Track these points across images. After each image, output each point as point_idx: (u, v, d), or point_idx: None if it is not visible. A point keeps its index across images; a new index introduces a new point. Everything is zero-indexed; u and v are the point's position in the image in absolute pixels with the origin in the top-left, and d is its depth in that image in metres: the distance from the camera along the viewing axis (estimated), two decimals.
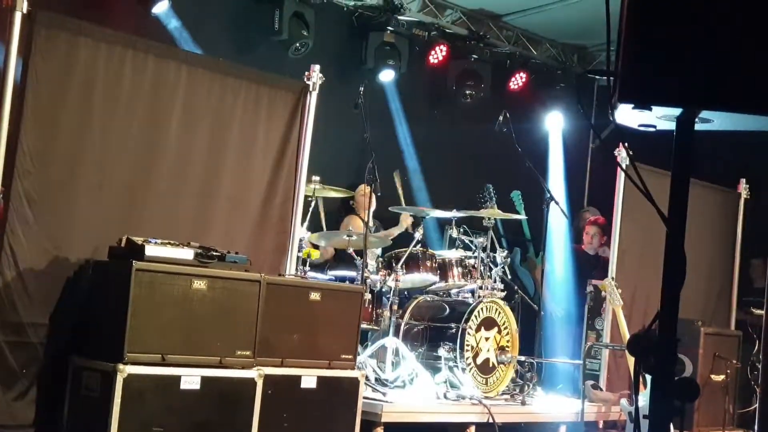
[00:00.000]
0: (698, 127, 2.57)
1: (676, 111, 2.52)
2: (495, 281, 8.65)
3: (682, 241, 2.48)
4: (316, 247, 8.18)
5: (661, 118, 2.57)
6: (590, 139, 12.39)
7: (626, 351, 7.64)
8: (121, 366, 5.50)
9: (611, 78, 2.61)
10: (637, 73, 2.48)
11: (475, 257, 8.61)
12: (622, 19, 2.56)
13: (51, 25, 5.95)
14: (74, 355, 5.90)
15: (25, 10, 5.72)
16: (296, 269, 7.41)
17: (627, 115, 2.60)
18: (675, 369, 2.47)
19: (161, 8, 8.63)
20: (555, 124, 11.80)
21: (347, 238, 8.28)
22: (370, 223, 8.25)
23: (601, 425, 8.72)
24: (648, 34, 2.49)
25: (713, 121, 2.56)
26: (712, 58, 2.44)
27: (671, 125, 2.58)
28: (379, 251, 8.77)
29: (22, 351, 5.87)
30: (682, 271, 2.46)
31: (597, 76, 11.82)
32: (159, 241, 5.92)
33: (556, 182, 11.60)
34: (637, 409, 2.48)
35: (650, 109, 2.48)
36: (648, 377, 2.46)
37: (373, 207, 8.56)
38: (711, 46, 2.44)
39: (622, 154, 9.09)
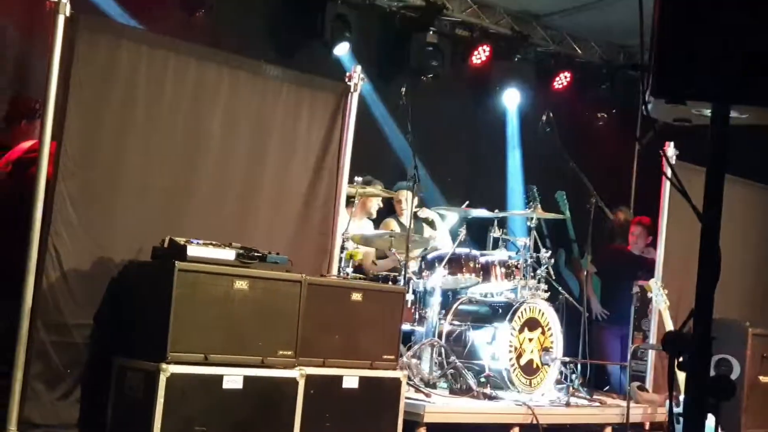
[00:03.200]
0: (733, 121, 2.54)
1: (710, 105, 2.49)
2: (538, 282, 8.60)
3: (716, 237, 2.45)
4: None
5: (696, 112, 2.55)
6: (637, 139, 12.28)
7: None
8: (164, 365, 5.54)
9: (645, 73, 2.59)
10: (669, 68, 2.46)
11: (518, 258, 8.57)
12: (655, 14, 2.53)
13: (93, 28, 5.99)
14: (118, 354, 5.94)
15: (67, 14, 5.78)
16: (339, 270, 7.42)
17: (661, 110, 2.58)
18: (720, 369, 2.44)
19: (204, 13, 8.68)
20: (600, 124, 11.72)
21: (389, 238, 8.30)
22: (412, 224, 8.22)
23: (647, 426, 8.63)
24: (681, 28, 2.46)
25: (748, 115, 2.53)
26: (745, 53, 2.41)
27: (706, 120, 2.55)
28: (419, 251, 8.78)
29: (67, 351, 5.92)
30: (716, 267, 2.43)
31: (632, 71, 11.70)
32: (201, 241, 5.95)
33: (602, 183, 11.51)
34: (671, 407, 2.45)
35: (684, 104, 2.46)
36: None
37: (416, 208, 8.57)
38: (744, 40, 2.42)
39: (668, 153, 9.05)
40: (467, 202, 8.90)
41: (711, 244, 2.43)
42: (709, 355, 2.42)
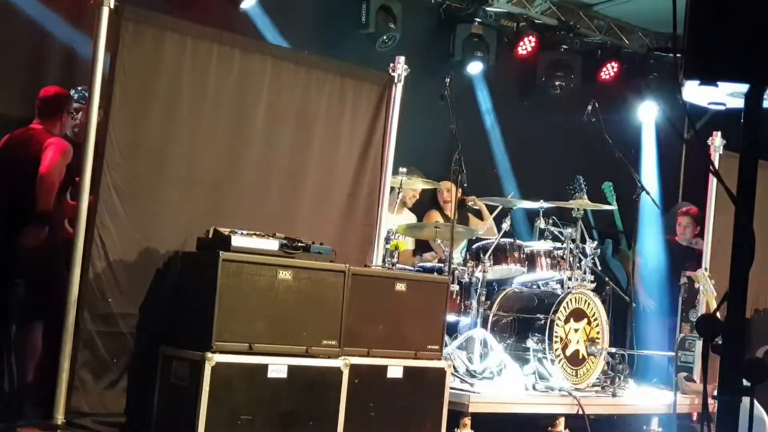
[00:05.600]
0: None
1: (744, 87, 2.47)
2: (584, 272, 8.53)
3: (750, 220, 2.43)
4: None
5: (730, 95, 2.52)
6: (685, 129, 12.15)
7: None
8: (209, 355, 5.58)
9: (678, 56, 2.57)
10: (703, 48, 2.44)
11: (564, 248, 8.51)
12: None
13: (138, 20, 6.05)
14: (164, 344, 6.00)
15: (112, 6, 5.83)
16: (383, 261, 7.43)
17: (695, 93, 2.56)
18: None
19: (249, 3, 8.73)
20: (648, 114, 11.62)
21: (435, 229, 8.29)
22: (457, 215, 8.21)
23: (694, 417, 8.56)
24: (714, 8, 2.44)
25: None
26: None
27: (740, 103, 2.52)
28: (465, 243, 8.76)
29: (113, 341, 6.00)
30: (750, 250, 2.41)
31: (664, 54, 11.58)
32: (245, 232, 5.99)
33: (650, 173, 11.44)
34: (705, 391, 2.44)
35: (716, 85, 2.43)
36: None
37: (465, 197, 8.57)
38: None
39: (715, 143, 8.98)
40: (512, 193, 8.86)
41: (745, 227, 2.42)
42: (743, 338, 2.40)
